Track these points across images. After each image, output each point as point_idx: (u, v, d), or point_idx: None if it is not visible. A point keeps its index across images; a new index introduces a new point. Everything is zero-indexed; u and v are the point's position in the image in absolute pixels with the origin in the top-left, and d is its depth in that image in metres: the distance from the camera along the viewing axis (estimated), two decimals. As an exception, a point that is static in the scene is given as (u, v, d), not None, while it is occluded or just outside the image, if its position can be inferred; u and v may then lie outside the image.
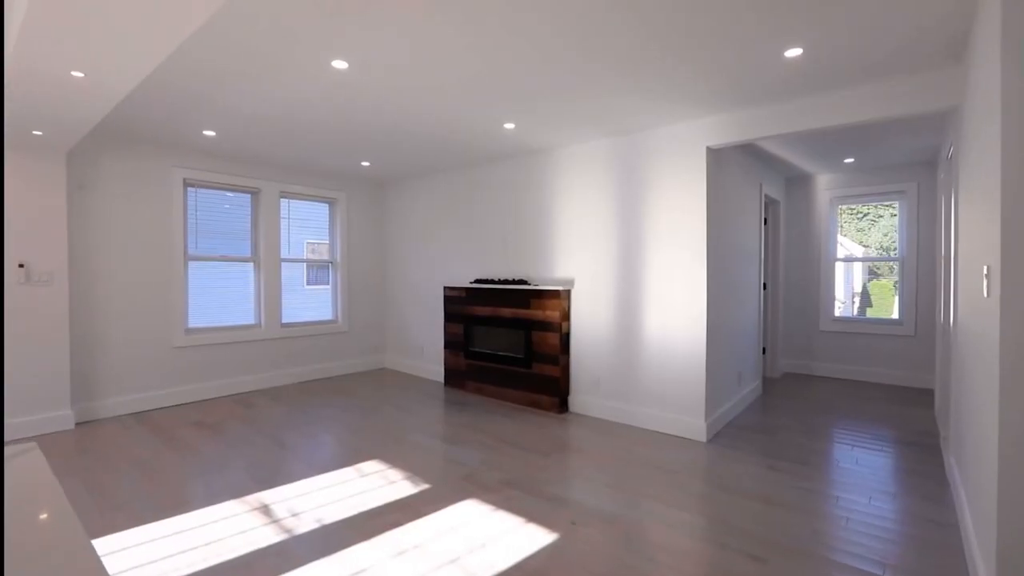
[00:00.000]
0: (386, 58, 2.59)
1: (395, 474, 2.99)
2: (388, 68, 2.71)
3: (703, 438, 3.59)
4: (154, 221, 4.39)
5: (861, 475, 3.00)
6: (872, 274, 5.64)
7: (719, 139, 3.53)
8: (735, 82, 2.90)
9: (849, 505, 2.61)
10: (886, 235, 5.69)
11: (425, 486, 2.83)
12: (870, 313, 5.76)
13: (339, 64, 2.66)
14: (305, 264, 5.65)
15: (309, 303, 5.72)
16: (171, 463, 3.13)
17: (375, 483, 2.86)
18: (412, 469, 3.06)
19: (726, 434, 3.73)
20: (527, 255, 4.70)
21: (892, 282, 5.47)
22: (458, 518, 2.47)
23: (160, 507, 2.56)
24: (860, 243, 7.64)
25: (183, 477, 2.93)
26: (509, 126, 3.78)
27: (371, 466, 3.11)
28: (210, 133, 3.99)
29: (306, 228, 5.69)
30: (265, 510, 2.54)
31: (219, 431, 3.75)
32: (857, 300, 7.08)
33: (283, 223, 5.32)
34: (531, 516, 2.49)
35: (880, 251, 5.63)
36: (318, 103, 3.27)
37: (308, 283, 5.76)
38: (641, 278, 3.91)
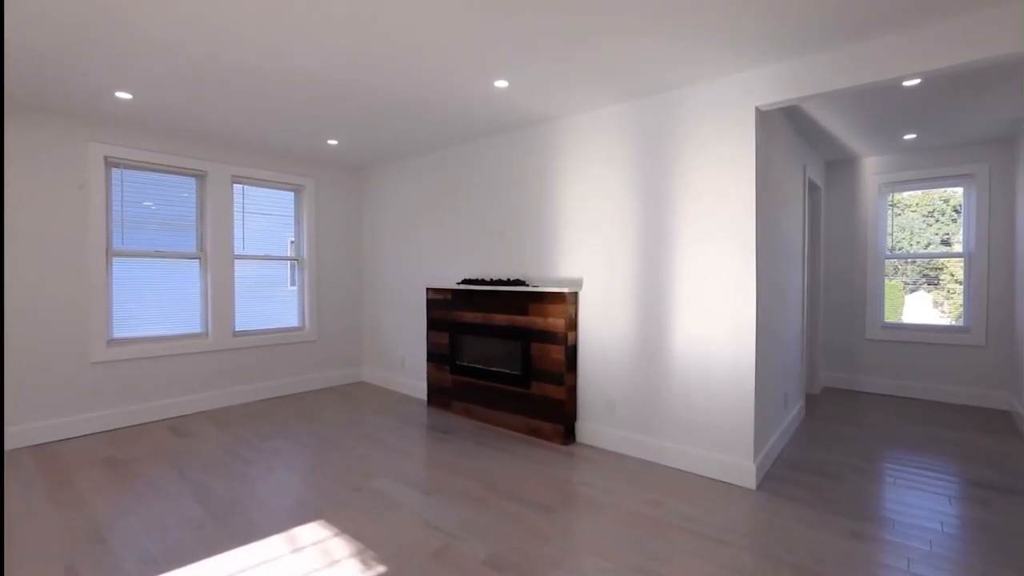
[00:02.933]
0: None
1: (341, 547, 2.17)
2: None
3: (752, 484, 2.77)
4: (66, 208, 3.56)
5: (978, 547, 2.19)
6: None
7: (772, 97, 2.71)
8: (807, 8, 2.09)
9: (992, 607, 1.80)
10: (890, 235, 5.11)
11: (380, 569, 2.01)
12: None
13: (251, -32, 1.85)
14: (289, 263, 4.94)
15: (291, 307, 4.96)
16: (39, 527, 2.31)
17: (310, 564, 2.04)
18: (366, 538, 2.24)
19: (777, 476, 2.92)
20: (525, 250, 3.88)
21: (901, 282, 4.93)
22: (419, 635, 1.66)
23: (-20, 615, 1.74)
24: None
25: (42, 553, 2.10)
26: (501, 84, 2.97)
27: (312, 532, 2.29)
28: (125, 95, 3.17)
29: (289, 225, 4.96)
30: (135, 619, 1.72)
31: (130, 473, 2.93)
32: None
33: (240, 215, 4.50)
34: (528, 630, 1.68)
35: (887, 251, 5.09)
36: (239, 37, 2.45)
37: (289, 284, 5.03)
38: (668, 277, 3.10)
